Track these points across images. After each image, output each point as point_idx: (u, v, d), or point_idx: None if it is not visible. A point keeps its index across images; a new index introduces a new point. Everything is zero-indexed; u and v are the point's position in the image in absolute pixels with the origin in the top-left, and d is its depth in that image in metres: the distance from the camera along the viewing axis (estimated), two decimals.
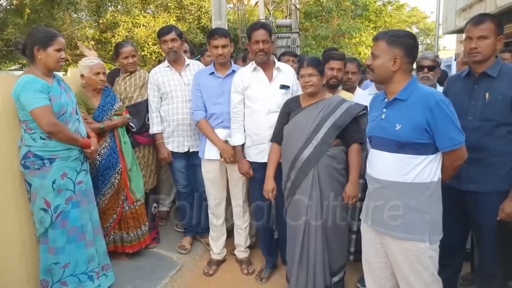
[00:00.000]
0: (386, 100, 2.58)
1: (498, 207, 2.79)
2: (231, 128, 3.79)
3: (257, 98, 3.65)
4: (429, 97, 2.36)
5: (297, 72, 3.38)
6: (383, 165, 2.53)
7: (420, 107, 2.36)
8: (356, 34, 19.04)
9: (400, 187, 2.45)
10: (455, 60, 9.22)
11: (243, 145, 3.78)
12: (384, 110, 2.55)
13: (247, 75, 3.70)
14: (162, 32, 4.22)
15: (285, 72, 3.73)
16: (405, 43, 2.44)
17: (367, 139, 2.85)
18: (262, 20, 13.60)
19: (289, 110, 3.40)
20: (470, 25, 2.86)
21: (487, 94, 2.79)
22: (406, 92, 2.45)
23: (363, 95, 3.67)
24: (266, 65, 3.68)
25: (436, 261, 2.52)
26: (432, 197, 2.45)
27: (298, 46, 14.56)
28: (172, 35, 4.19)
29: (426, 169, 2.41)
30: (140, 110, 4.33)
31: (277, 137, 3.46)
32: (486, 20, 2.79)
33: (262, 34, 3.55)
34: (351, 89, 4.14)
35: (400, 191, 2.46)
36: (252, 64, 3.72)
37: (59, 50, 3.13)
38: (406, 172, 2.42)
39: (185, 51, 4.80)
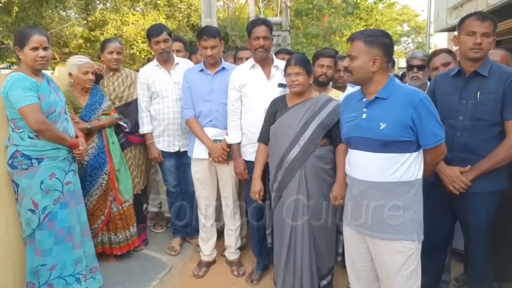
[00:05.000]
0: (365, 100, 2.55)
1: (488, 208, 2.80)
2: (228, 125, 3.76)
3: (254, 96, 3.62)
4: (412, 95, 2.37)
5: (285, 68, 3.31)
6: (368, 166, 2.49)
7: (403, 105, 2.36)
8: (347, 32, 19.02)
9: (388, 187, 2.43)
10: None
11: (239, 144, 3.76)
12: (365, 109, 2.52)
13: (244, 73, 3.67)
14: (154, 32, 4.13)
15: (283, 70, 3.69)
16: (383, 42, 2.43)
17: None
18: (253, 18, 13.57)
19: (276, 109, 3.36)
20: (474, 20, 2.77)
21: (478, 94, 2.76)
22: (387, 91, 2.45)
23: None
24: (264, 63, 3.65)
25: (419, 263, 2.53)
26: (417, 195, 2.46)
27: (288, 44, 14.51)
28: (164, 35, 4.12)
29: (411, 167, 2.41)
30: (131, 109, 4.29)
31: (264, 137, 3.42)
32: (489, 19, 2.76)
33: (263, 30, 3.53)
34: (343, 87, 4.11)
35: (388, 191, 2.43)
36: (250, 61, 3.69)
37: (34, 49, 3.04)
38: (392, 171, 2.40)
39: (178, 51, 4.76)
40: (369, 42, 2.42)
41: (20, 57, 3.07)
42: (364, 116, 2.51)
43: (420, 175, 2.46)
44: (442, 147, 2.46)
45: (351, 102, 2.69)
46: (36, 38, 3.05)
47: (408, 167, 2.40)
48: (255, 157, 3.52)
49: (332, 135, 3.18)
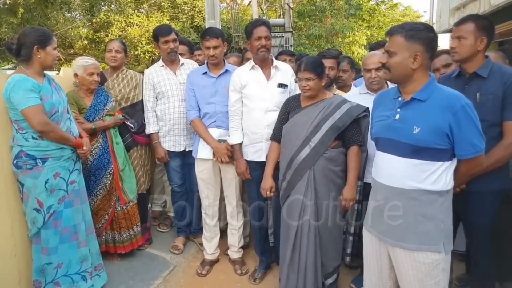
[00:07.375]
0: (400, 99, 2.37)
1: (490, 208, 2.80)
2: (229, 126, 3.78)
3: (254, 97, 3.64)
4: (454, 100, 2.17)
5: (296, 73, 3.34)
6: (395, 171, 2.33)
7: (442, 110, 2.17)
8: (349, 33, 19.08)
9: (414, 194, 2.27)
10: None
11: (241, 144, 3.77)
12: (399, 110, 2.34)
13: (245, 74, 3.69)
14: (163, 32, 4.17)
15: (283, 70, 3.72)
16: (426, 37, 2.23)
17: (372, 141, 2.64)
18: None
19: (289, 109, 3.38)
20: (453, 25, 2.89)
21: (477, 95, 2.77)
22: (426, 92, 2.26)
23: (354, 94, 3.63)
24: (264, 64, 3.68)
25: (448, 274, 2.39)
26: (445, 204, 2.28)
27: (291, 46, 14.56)
28: (173, 35, 4.18)
29: (442, 176, 2.24)
30: (137, 110, 4.33)
31: (277, 136, 3.43)
32: (468, 21, 2.81)
33: (264, 30, 3.56)
34: (344, 87, 4.13)
35: (414, 199, 2.27)
36: (250, 63, 3.72)
37: (55, 49, 3.17)
38: (421, 179, 2.24)
39: (182, 54, 4.77)
40: (409, 36, 2.23)
41: (38, 56, 3.07)
42: (397, 117, 2.34)
43: (451, 185, 2.29)
44: (480, 159, 2.26)
45: (385, 99, 2.51)
46: (55, 39, 3.19)
47: (439, 176, 2.23)
48: (267, 155, 3.54)
49: (344, 137, 3.18)
